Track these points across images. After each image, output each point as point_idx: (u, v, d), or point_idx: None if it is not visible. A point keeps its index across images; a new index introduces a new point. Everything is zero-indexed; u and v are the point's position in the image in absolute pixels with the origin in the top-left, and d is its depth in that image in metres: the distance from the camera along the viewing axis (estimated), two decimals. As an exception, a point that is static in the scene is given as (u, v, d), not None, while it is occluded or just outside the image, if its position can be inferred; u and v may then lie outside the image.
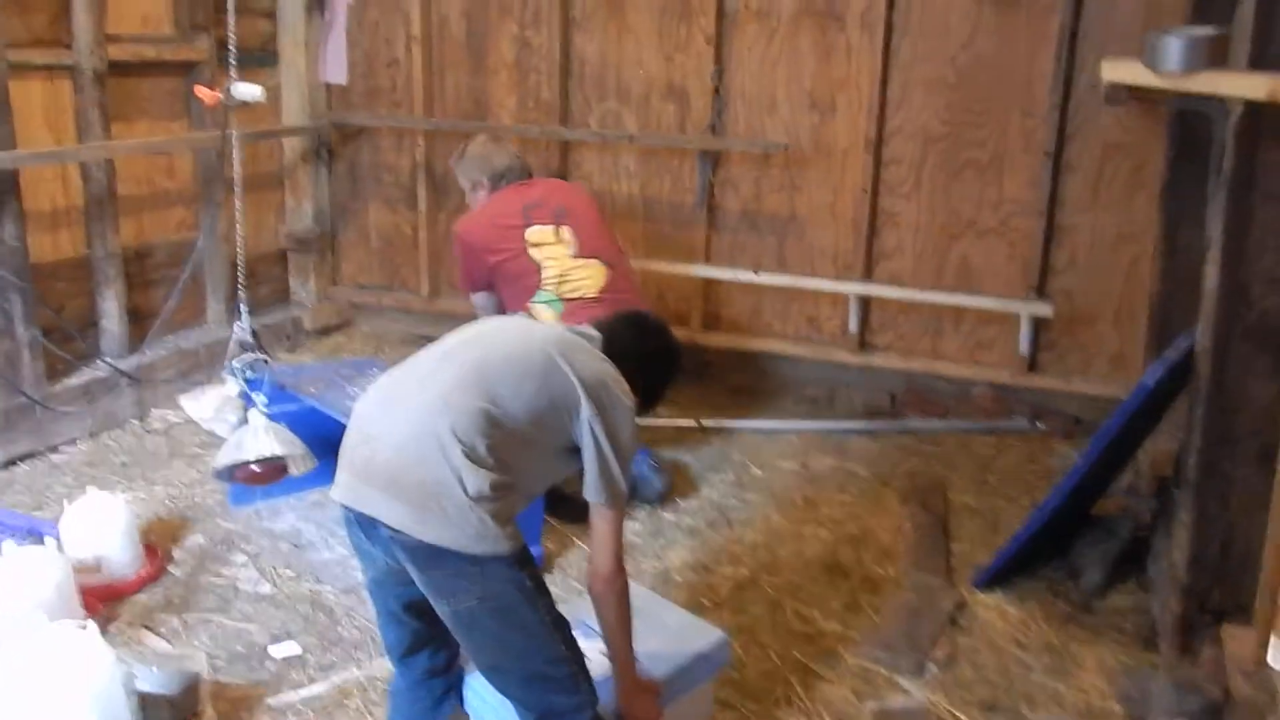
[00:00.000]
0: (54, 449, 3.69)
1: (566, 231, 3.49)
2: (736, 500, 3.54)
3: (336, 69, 4.80)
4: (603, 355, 1.98)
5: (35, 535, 2.82)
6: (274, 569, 3.02)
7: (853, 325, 4.31)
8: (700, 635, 2.30)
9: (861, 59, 4.10)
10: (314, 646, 2.66)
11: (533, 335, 1.96)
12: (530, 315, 3.24)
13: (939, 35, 4.00)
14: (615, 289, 3.46)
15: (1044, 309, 4.04)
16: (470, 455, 1.73)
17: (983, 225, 4.13)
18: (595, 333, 2.05)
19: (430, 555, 1.73)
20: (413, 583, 1.84)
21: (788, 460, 3.87)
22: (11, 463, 3.55)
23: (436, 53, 4.69)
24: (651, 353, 2.14)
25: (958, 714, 2.47)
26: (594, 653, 1.99)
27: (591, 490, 1.91)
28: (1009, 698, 2.55)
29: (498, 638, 1.82)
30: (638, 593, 2.43)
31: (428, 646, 2.02)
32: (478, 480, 1.72)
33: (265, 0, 4.67)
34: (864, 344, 4.36)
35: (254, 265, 4.75)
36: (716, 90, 4.27)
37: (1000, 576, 3.03)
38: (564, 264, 3.45)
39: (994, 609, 2.92)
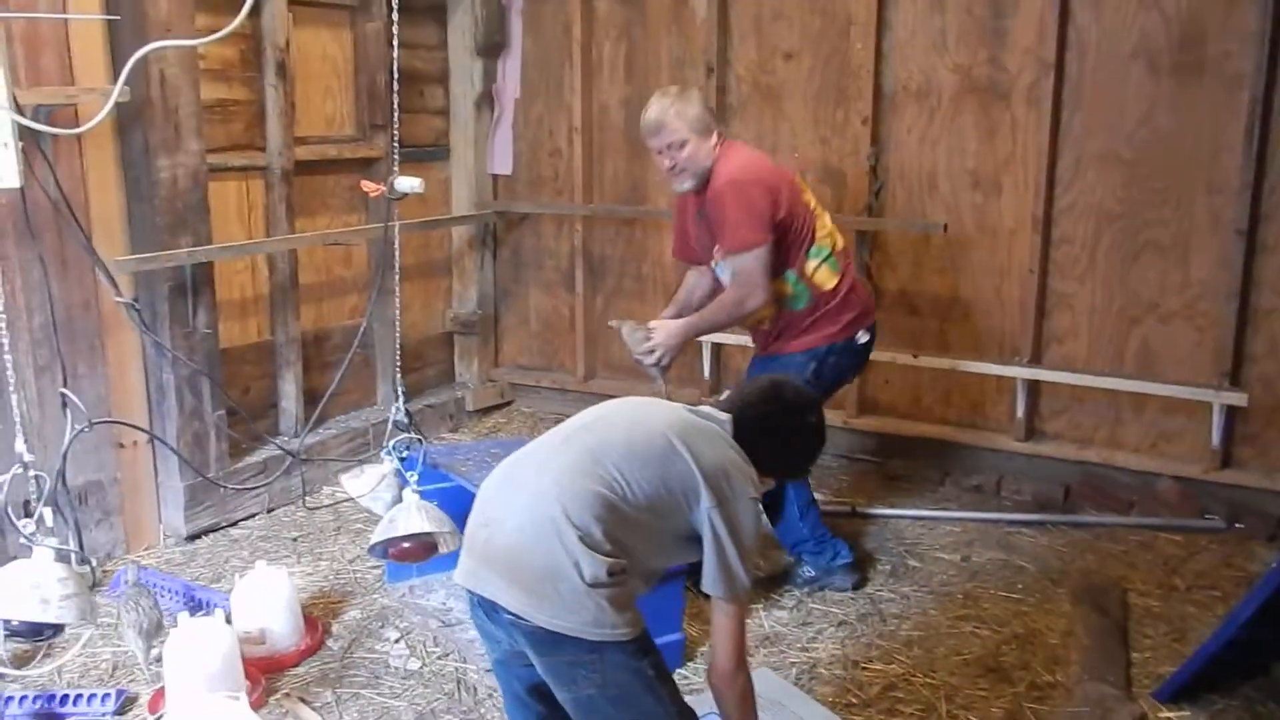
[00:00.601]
0: (234, 524, 3.92)
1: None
2: (890, 592, 3.38)
3: (503, 160, 5.03)
4: (730, 440, 1.93)
5: (208, 607, 2.98)
6: (423, 646, 3.07)
7: (1020, 411, 4.09)
8: None
9: (1029, 136, 3.96)
10: (456, 727, 2.69)
11: (654, 419, 1.93)
12: (803, 275, 3.11)
13: (1113, 110, 3.82)
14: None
15: (1238, 398, 3.73)
16: (585, 540, 1.71)
17: (1166, 309, 3.87)
18: (722, 415, 2.00)
19: (548, 641, 1.73)
20: (534, 665, 1.82)
21: (948, 552, 3.68)
22: (195, 537, 3.79)
23: (597, 141, 4.84)
24: (788, 429, 2.06)
25: (1135, 844, 2.23)
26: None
27: (710, 583, 1.86)
28: (1195, 827, 2.29)
29: (617, 728, 1.78)
30: (777, 685, 2.34)
31: (553, 729, 1.99)
32: (593, 566, 1.70)
33: (439, 99, 4.97)
34: (1033, 431, 4.13)
35: (421, 348, 5.00)
36: (874, 170, 4.22)
37: (1188, 690, 2.75)
38: (825, 215, 3.22)
39: (1180, 726, 2.65)
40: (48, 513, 2.31)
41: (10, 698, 2.73)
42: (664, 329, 3.16)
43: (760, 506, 1.90)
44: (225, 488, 3.84)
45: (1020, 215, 4.03)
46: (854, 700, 2.76)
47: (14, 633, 2.76)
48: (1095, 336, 3.99)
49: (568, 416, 2.00)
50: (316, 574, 3.53)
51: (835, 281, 3.15)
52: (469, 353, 5.20)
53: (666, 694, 1.78)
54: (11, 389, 2.60)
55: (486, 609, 1.81)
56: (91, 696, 2.77)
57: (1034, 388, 4.09)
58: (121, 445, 3.65)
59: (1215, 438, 3.79)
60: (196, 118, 3.69)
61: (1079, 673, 2.90)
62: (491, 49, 4.92)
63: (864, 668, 2.94)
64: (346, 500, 4.10)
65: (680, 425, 1.91)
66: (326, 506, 4.11)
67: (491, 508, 1.86)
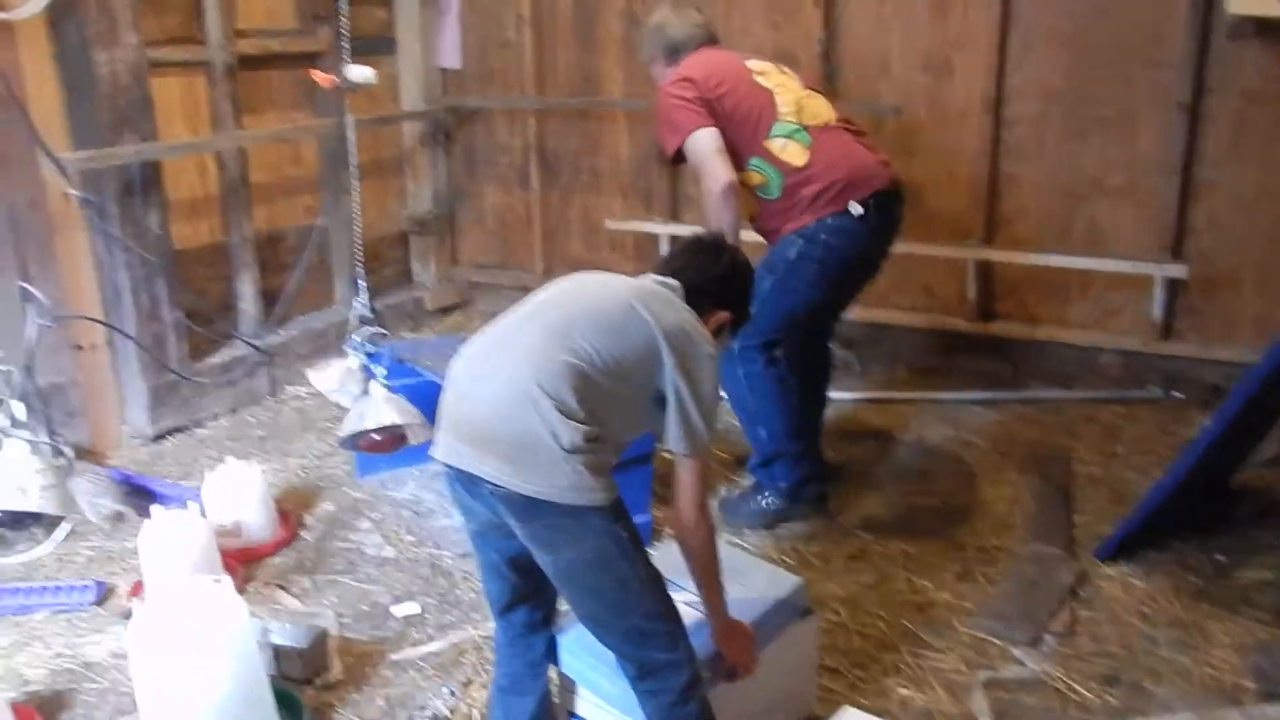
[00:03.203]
0: (199, 424, 3.94)
1: (787, 70, 3.07)
2: (846, 470, 3.51)
3: (451, 53, 4.93)
4: (683, 305, 2.00)
5: (181, 502, 3.02)
6: (396, 534, 3.15)
7: (971, 292, 4.19)
8: (778, 583, 2.28)
9: (979, 14, 3.95)
10: (432, 607, 2.78)
11: (614, 287, 1.98)
12: (769, 157, 2.89)
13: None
14: (853, 123, 3.06)
15: (1179, 270, 3.85)
16: (561, 409, 1.77)
17: (1110, 185, 3.95)
18: (674, 281, 2.06)
19: (529, 507, 1.79)
20: (513, 536, 1.89)
21: (900, 432, 3.81)
22: (161, 436, 3.81)
23: (547, 32, 4.76)
24: (725, 274, 2.14)
25: (1076, 686, 2.40)
26: (683, 605, 2.02)
27: (673, 439, 1.94)
28: (1131, 671, 2.46)
29: (595, 591, 1.87)
30: (736, 555, 2.45)
31: (527, 602, 2.07)
32: (570, 433, 1.76)
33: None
34: (984, 312, 4.24)
35: (377, 248, 4.96)
36: (826, 56, 4.20)
37: (1126, 548, 2.91)
38: (796, 92, 2.97)
39: (1118, 581, 2.81)
40: (19, 406, 2.32)
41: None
42: None
43: (717, 365, 1.98)
44: (191, 383, 3.83)
45: (971, 97, 4.05)
46: (818, 569, 2.90)
47: None
48: (1044, 216, 4.07)
49: None
50: (286, 470, 3.57)
51: (807, 157, 2.88)
52: (425, 252, 5.18)
53: (639, 558, 1.87)
54: None
55: (465, 482, 1.87)
56: (71, 588, 2.82)
57: (986, 269, 4.18)
58: (80, 348, 3.62)
59: (1157, 311, 3.93)
60: (132, 9, 3.56)
61: (1025, 536, 3.05)
62: (436, -66, 4.78)
63: (823, 541, 3.07)
64: (311, 399, 4.13)
65: (639, 291, 1.96)
66: (292, 405, 4.13)
67: (463, 385, 1.90)
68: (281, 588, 2.87)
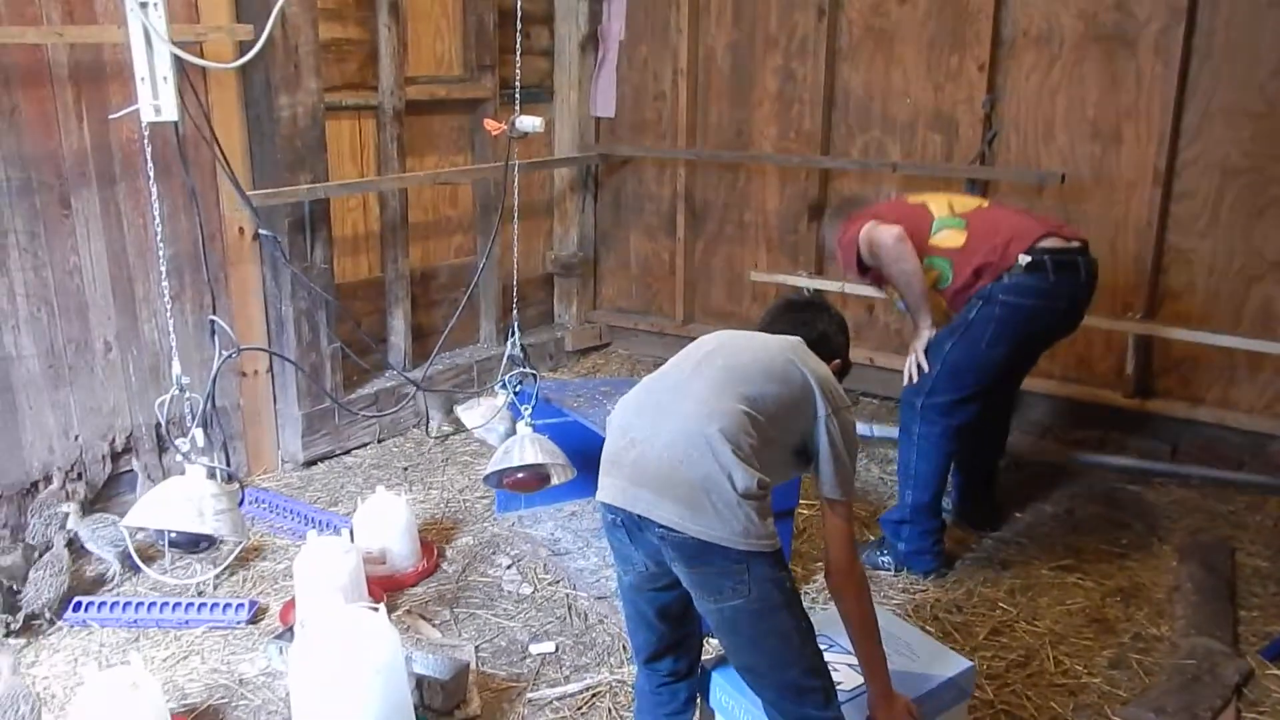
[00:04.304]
0: (346, 451, 4.08)
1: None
2: (992, 540, 3.39)
3: (606, 103, 5.06)
4: (819, 358, 2.07)
5: (333, 528, 3.12)
6: (534, 572, 3.18)
7: (1130, 367, 4.02)
8: (947, 662, 2.22)
9: (1154, 86, 3.83)
10: (568, 648, 2.79)
11: (768, 341, 2.07)
12: (936, 250, 3.07)
13: (1247, 61, 3.66)
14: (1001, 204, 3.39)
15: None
16: (737, 453, 1.81)
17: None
18: (796, 338, 2.12)
19: (699, 551, 1.80)
20: (667, 588, 1.92)
21: (1051, 504, 3.66)
22: (311, 462, 3.96)
23: (702, 85, 4.83)
24: (835, 326, 2.28)
25: (1245, 795, 2.24)
26: (840, 665, 2.00)
27: (829, 486, 1.98)
28: (1307, 784, 2.29)
29: (756, 641, 1.87)
30: (887, 618, 2.39)
31: (673, 652, 2.09)
32: (745, 478, 1.79)
33: (544, 40, 5.00)
34: (1142, 389, 4.06)
35: (522, 288, 5.02)
36: (988, 119, 4.14)
37: (1300, 651, 2.73)
38: (948, 196, 3.26)
39: (1291, 686, 2.63)
40: (199, 433, 2.45)
41: (141, 603, 2.91)
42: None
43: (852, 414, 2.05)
44: (344, 411, 3.96)
45: (1141, 168, 3.92)
46: (958, 643, 2.80)
47: (173, 543, 2.93)
48: (1212, 294, 3.89)
49: (666, 360, 2.13)
50: (428, 502, 3.66)
51: (964, 237, 3.06)
52: (568, 294, 5.28)
53: (800, 611, 1.89)
54: (170, 316, 2.74)
55: (630, 526, 1.89)
56: (226, 605, 2.94)
57: (1146, 344, 4.01)
58: (244, 374, 3.81)
59: (1333, 399, 3.70)
60: (315, 56, 3.77)
61: (1185, 627, 2.88)
62: (598, -10, 4.93)
63: (967, 613, 2.97)
64: (453, 434, 4.24)
65: (791, 345, 2.05)
66: (435, 439, 4.24)
67: (634, 429, 1.93)
68: (423, 618, 2.93)
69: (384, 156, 4.27)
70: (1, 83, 3.05)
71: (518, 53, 3.39)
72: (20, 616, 2.77)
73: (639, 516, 1.85)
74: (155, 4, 2.28)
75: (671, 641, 2.04)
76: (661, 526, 1.82)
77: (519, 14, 3.35)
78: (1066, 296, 3.05)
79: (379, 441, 4.18)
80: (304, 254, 3.85)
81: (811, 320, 2.24)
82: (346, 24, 4.10)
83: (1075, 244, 3.07)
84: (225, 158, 3.11)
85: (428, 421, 4.16)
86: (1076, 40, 3.94)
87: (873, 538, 3.33)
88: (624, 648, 2.76)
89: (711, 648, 2.50)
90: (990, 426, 3.32)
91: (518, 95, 3.46)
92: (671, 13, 4.81)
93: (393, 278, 4.39)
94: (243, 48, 3.48)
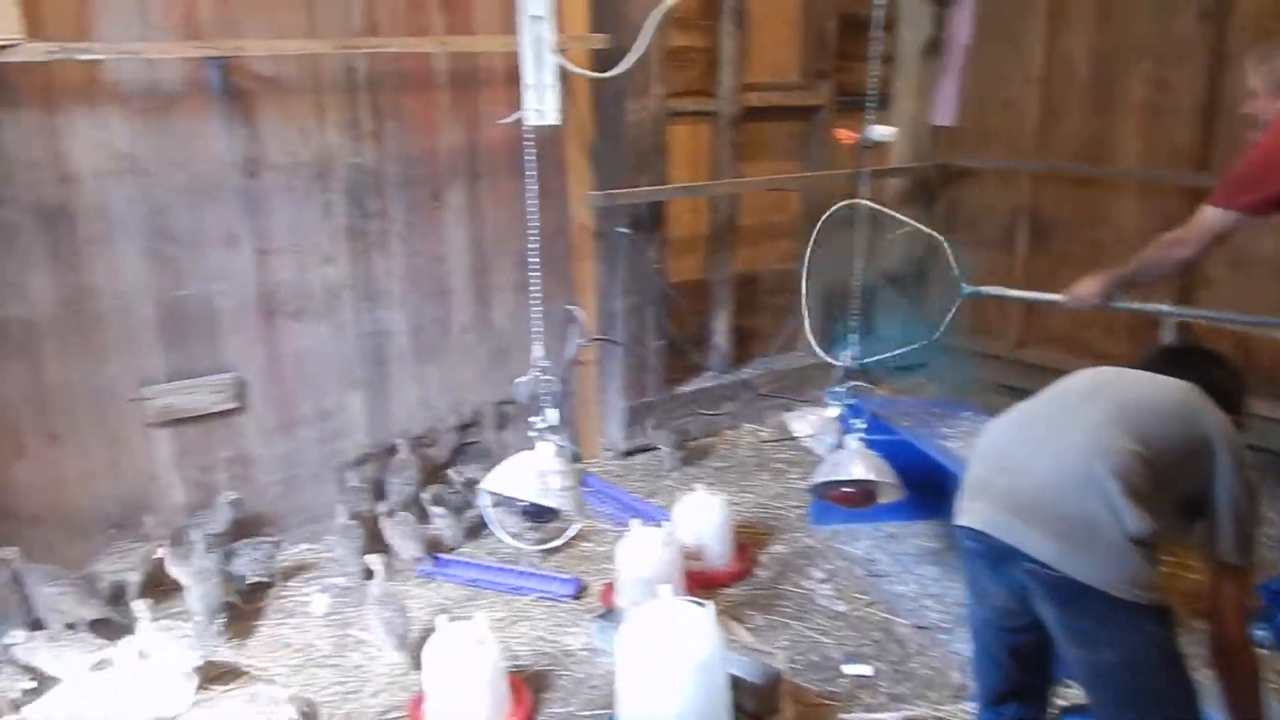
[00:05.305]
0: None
1: None
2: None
3: (947, 111, 4.85)
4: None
5: (653, 519, 3.21)
6: (848, 590, 3.10)
7: None
8: None
9: None
10: (885, 674, 2.68)
11: (1168, 383, 1.88)
12: None
13: None
14: None
15: None
16: (1131, 495, 1.65)
17: None
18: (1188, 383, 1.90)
19: (1074, 594, 1.66)
20: (1024, 628, 1.78)
21: None
22: (630, 453, 4.09)
23: (1056, 93, 4.52)
24: (1231, 377, 2.05)
25: None
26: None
27: (1228, 548, 1.76)
28: None
29: (1128, 701, 1.70)
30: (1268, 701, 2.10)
31: (1021, 698, 1.94)
32: (1138, 521, 1.63)
33: (883, 46, 4.86)
34: None
35: (843, 299, 4.97)
36: None
37: None
38: None
39: None
40: (553, 413, 2.59)
41: (481, 565, 3.12)
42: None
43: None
44: (664, 405, 4.06)
45: None
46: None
47: (523, 512, 3.15)
48: None
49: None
50: (742, 504, 3.67)
51: None
52: (893, 307, 5.12)
53: (1183, 673, 1.69)
54: (538, 304, 2.84)
55: (993, 557, 1.77)
56: (555, 579, 3.10)
57: None
58: (580, 364, 4.00)
59: None
60: (662, 63, 3.90)
61: None
62: (946, -8, 4.74)
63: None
64: (767, 439, 4.24)
65: (1187, 388, 1.85)
66: (748, 441, 4.26)
67: (1008, 456, 1.81)
68: (736, 620, 2.93)
69: (718, 161, 4.34)
70: (394, 87, 3.40)
71: (874, 59, 3.35)
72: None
73: (1006, 547, 1.72)
74: (545, 17, 2.44)
75: (1021, 685, 1.90)
76: (1032, 561, 1.68)
77: (874, 20, 3.27)
78: None
79: (695, 439, 4.25)
80: (639, 253, 3.98)
81: (1204, 367, 2.03)
82: (691, 32, 4.21)
83: None
84: (598, 158, 3.25)
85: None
86: None
87: None
88: (946, 683, 2.62)
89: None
90: None
91: (871, 104, 3.38)
92: (1026, 16, 4.53)
93: (717, 280, 4.45)
94: (598, 56, 3.67)
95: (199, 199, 3.11)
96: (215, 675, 2.67)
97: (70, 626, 2.75)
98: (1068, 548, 1.65)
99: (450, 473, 3.61)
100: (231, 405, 3.27)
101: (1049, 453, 1.74)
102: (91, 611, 2.76)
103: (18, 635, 2.61)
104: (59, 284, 2.95)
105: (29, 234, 2.89)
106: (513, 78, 3.59)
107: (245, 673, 2.71)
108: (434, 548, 3.27)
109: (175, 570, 2.82)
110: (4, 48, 2.62)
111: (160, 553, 2.84)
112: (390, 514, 3.21)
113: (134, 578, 2.93)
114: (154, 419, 3.14)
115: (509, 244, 3.73)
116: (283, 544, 3.25)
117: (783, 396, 4.34)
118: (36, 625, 2.73)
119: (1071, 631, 1.69)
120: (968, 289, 3.23)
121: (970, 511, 1.81)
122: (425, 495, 3.38)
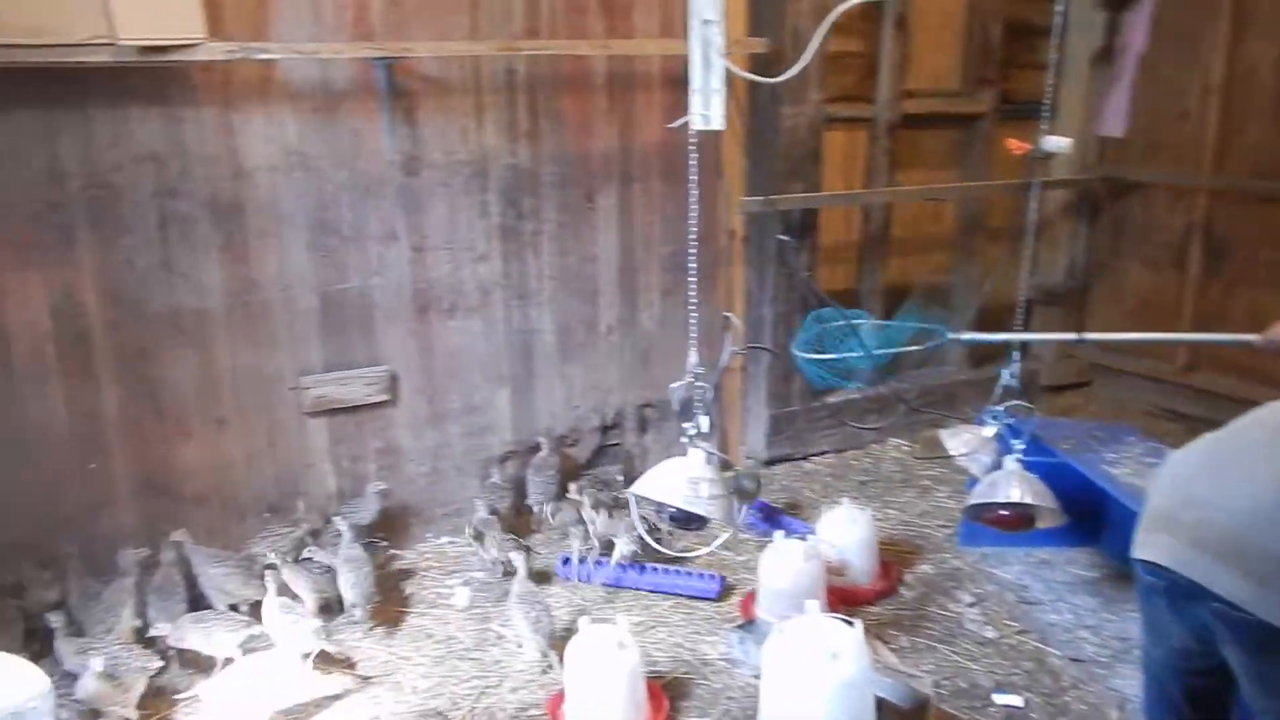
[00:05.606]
0: (805, 457, 4.11)
1: None
2: None
3: (1116, 121, 4.61)
4: None
5: (797, 532, 3.14)
6: (998, 616, 2.97)
7: None
8: None
9: None
10: (1037, 707, 2.56)
11: None
12: None
13: None
14: None
15: None
16: None
17: None
18: None
19: (1268, 639, 1.54)
20: (1205, 671, 1.65)
21: None
22: (772, 462, 4.03)
23: (1238, 105, 4.24)
24: None
25: None
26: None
27: None
28: None
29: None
30: None
31: (1194, 743, 1.79)
32: None
33: (1045, 53, 4.67)
34: None
35: (998, 314, 4.80)
36: None
37: None
38: None
39: None
40: (704, 420, 2.56)
41: (632, 567, 3.13)
42: None
43: None
44: (806, 419, 3.99)
45: None
46: None
47: (671, 517, 3.14)
48: None
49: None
50: (886, 521, 3.57)
51: None
52: (1049, 326, 4.89)
53: None
54: (694, 309, 2.76)
55: (1176, 594, 1.65)
56: (700, 575, 3.10)
57: None
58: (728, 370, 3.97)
59: None
60: (821, 69, 3.83)
61: None
62: (1118, 0, 4.51)
63: None
64: (911, 454, 4.11)
65: None
66: (893, 455, 4.14)
67: (1196, 488, 1.69)
68: (880, 639, 2.84)
69: (874, 169, 4.24)
70: (551, 89, 3.44)
71: (1051, 68, 3.20)
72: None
73: (1192, 584, 1.60)
74: (716, 21, 2.41)
75: (1193, 724, 1.76)
76: (1222, 601, 1.56)
77: (1054, 27, 3.14)
78: None
79: (837, 452, 4.16)
80: (789, 260, 3.92)
81: None
82: (850, 36, 4.11)
83: None
84: (735, 164, 3.22)
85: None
86: None
87: None
88: (1105, 720, 2.47)
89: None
90: None
91: (1046, 114, 3.24)
92: (1207, 22, 4.27)
93: (867, 290, 4.34)
94: (756, 60, 3.63)
95: (361, 195, 3.22)
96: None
97: (234, 607, 2.88)
98: (1264, 590, 1.53)
99: (599, 474, 3.65)
100: (383, 397, 3.37)
101: (1244, 488, 1.61)
102: (255, 593, 2.88)
103: (163, 626, 2.73)
104: (230, 275, 3.09)
105: (204, 227, 3.03)
106: (668, 81, 3.62)
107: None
108: (605, 549, 3.25)
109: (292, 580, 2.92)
110: (188, 46, 2.75)
111: (277, 563, 2.93)
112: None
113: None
114: (310, 408, 3.26)
115: (656, 247, 3.73)
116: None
117: (933, 411, 4.20)
118: (195, 604, 2.86)
119: (1263, 679, 1.56)
120: (949, 334, 3.13)
121: (1151, 545, 1.69)
122: (583, 498, 3.37)
